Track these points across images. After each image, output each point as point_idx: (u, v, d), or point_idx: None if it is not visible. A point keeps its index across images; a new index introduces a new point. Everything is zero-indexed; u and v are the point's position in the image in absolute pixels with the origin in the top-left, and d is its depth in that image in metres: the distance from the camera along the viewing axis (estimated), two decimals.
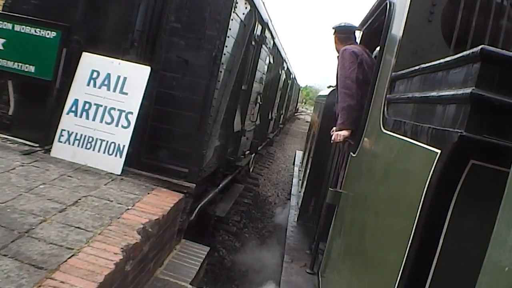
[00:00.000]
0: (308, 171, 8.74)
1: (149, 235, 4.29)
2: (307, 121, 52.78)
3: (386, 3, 4.31)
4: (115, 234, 3.94)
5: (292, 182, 13.59)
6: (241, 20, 7.11)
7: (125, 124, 5.76)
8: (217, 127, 6.79)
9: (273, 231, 10.83)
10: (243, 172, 13.01)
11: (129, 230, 4.08)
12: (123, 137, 5.74)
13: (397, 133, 2.83)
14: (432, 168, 1.95)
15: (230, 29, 6.21)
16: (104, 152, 5.73)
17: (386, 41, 4.10)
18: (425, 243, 1.95)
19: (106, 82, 5.87)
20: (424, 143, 2.15)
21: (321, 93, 11.49)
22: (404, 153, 2.67)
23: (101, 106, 5.82)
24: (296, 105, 56.72)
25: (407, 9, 3.60)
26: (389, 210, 2.72)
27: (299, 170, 12.72)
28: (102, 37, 6.27)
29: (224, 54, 6.27)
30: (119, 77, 5.86)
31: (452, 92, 1.96)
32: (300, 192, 9.67)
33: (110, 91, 5.84)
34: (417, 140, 2.30)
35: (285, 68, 20.66)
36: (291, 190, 12.19)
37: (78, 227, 3.87)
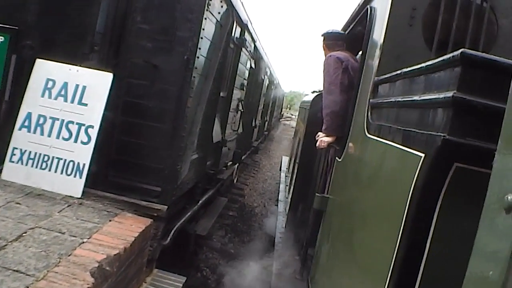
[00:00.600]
0: (294, 176, 8.73)
1: (106, 274, 3.67)
2: (292, 127, 52.90)
3: (367, 8, 4.33)
4: (62, 278, 3.26)
5: (278, 189, 13.10)
6: (217, 20, 6.58)
7: (85, 140, 5.11)
8: (193, 139, 6.18)
9: (260, 244, 10.11)
10: (227, 183, 12.33)
11: (80, 271, 3.41)
12: (83, 154, 5.08)
13: (381, 138, 2.84)
14: (417, 172, 1.96)
15: (203, 29, 5.64)
16: (61, 173, 5.06)
17: (368, 46, 4.12)
18: (412, 247, 1.95)
19: (63, 92, 5.21)
20: (408, 147, 2.16)
21: (305, 98, 11.52)
22: (388, 157, 2.68)
23: (58, 119, 5.15)
24: (281, 111, 56.48)
25: (388, 14, 3.62)
26: (376, 214, 2.72)
27: (286, 176, 12.72)
28: (58, 41, 5.54)
29: (198, 58, 5.69)
30: (77, 86, 5.21)
31: (434, 96, 1.97)
32: (287, 198, 9.66)
33: (67, 102, 5.18)
34: (401, 144, 2.31)
35: (268, 73, 20.05)
36: (278, 197, 11.75)
37: (17, 270, 3.21)
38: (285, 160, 15.42)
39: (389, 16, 3.61)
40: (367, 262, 2.73)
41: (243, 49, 9.79)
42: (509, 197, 1.01)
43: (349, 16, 5.79)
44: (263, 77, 17.22)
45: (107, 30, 5.65)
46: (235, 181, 14.14)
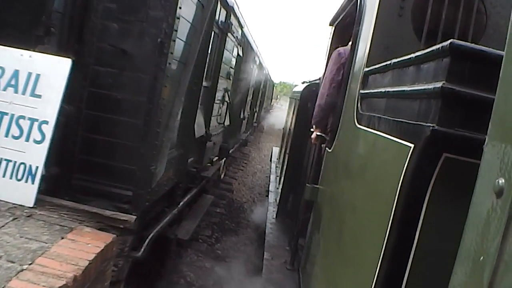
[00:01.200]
0: (285, 167, 8.75)
1: None
2: (282, 118, 52.91)
3: None
4: None
5: (269, 182, 12.46)
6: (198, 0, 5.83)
7: (39, 138, 4.26)
8: (171, 135, 5.47)
9: (250, 244, 9.74)
10: (213, 179, 11.78)
11: None
12: (36, 155, 4.24)
13: (371, 128, 2.84)
14: (406, 163, 1.97)
15: (180, 8, 4.93)
16: (10, 177, 4.20)
17: (357, 36, 4.12)
18: (402, 237, 1.97)
19: (13, 82, 4.36)
20: (398, 138, 2.17)
21: (295, 88, 11.50)
22: (378, 148, 2.69)
23: (7, 114, 4.32)
24: (271, 101, 56.10)
25: (377, 4, 3.62)
26: (365, 205, 2.73)
27: (276, 167, 12.72)
28: (7, 21, 4.54)
29: (174, 41, 4.97)
30: (30, 74, 4.37)
31: (423, 87, 1.98)
32: (278, 188, 9.68)
33: (18, 93, 4.35)
34: (390, 135, 2.32)
35: (257, 62, 19.09)
36: (268, 189, 11.22)
37: None
38: (276, 150, 15.40)
39: (378, 6, 3.62)
40: (357, 252, 2.74)
41: (229, 34, 9.07)
42: (499, 182, 1.02)
43: (338, 7, 5.78)
44: (251, 66, 16.42)
45: (66, 9, 4.79)
46: (222, 176, 13.47)
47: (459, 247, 1.19)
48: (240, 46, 11.40)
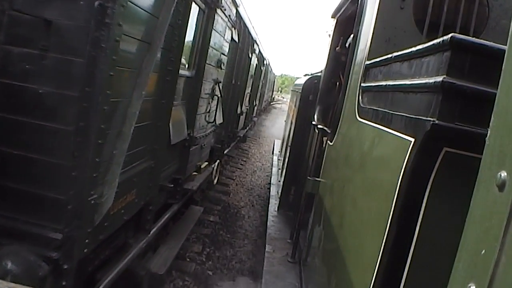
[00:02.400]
0: (286, 160, 8.76)
1: None
2: (284, 110, 52.54)
3: None
4: None
5: (270, 182, 11.91)
6: None
7: None
8: (123, 146, 3.81)
9: (247, 259, 8.33)
10: (204, 187, 10.04)
11: None
12: None
13: (372, 122, 2.84)
14: (407, 156, 1.97)
15: None
16: None
17: (359, 29, 4.11)
18: (402, 230, 1.97)
19: None
20: (398, 132, 2.17)
21: (297, 81, 11.49)
22: (379, 141, 2.69)
23: None
24: (272, 94, 55.32)
25: None
26: (366, 198, 2.74)
27: (278, 159, 12.73)
28: None
29: (123, 6, 3.45)
30: None
31: (424, 81, 1.97)
32: (279, 181, 9.69)
33: None
34: (391, 129, 2.32)
35: (257, 51, 16.95)
36: (269, 193, 10.17)
37: None
38: (278, 143, 15.39)
39: None
40: (357, 245, 2.75)
41: (219, 11, 7.23)
42: (501, 174, 1.02)
43: (339, 0, 5.76)
44: (250, 55, 14.52)
45: None
46: (215, 181, 11.32)
47: (460, 241, 1.19)
48: (234, 29, 9.78)
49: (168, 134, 5.75)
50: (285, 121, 13.97)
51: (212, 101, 8.28)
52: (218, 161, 10.90)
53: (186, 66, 6.56)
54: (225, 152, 12.63)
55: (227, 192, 12.61)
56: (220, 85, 8.52)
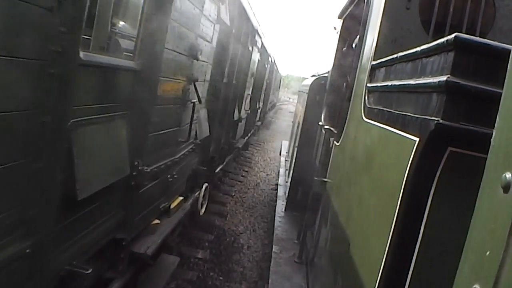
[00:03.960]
0: (294, 160, 8.77)
1: None
2: (290, 111, 51.90)
3: None
4: None
5: (276, 200, 10.41)
6: None
7: None
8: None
9: None
10: (187, 219, 7.75)
11: None
12: None
13: (377, 122, 2.84)
14: (411, 156, 1.97)
15: None
16: None
17: (365, 30, 4.11)
18: (407, 229, 1.98)
19: None
20: (403, 132, 2.18)
21: (304, 82, 11.49)
22: (384, 141, 2.69)
23: None
24: (278, 94, 54.18)
25: None
26: (372, 198, 2.74)
27: (286, 160, 12.73)
28: None
29: None
30: None
31: (428, 81, 1.98)
32: (287, 182, 9.70)
33: None
34: (396, 129, 2.32)
35: (259, 44, 14.01)
36: (275, 213, 8.86)
37: None
38: (285, 144, 15.39)
39: (386, 0, 3.60)
40: (364, 245, 2.75)
41: None
42: (506, 176, 1.01)
43: (347, 0, 5.76)
44: (250, 47, 11.69)
45: None
46: (202, 211, 8.35)
47: (465, 241, 1.19)
48: (223, 5, 7.31)
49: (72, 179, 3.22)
50: (292, 122, 13.92)
51: (183, 110, 5.56)
52: (206, 184, 8.29)
53: (132, 57, 4.31)
54: (217, 170, 10.18)
55: (222, 213, 10.50)
56: (201, 84, 6.17)
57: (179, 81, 5.21)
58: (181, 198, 6.54)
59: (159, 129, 4.83)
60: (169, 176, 5.49)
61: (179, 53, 4.97)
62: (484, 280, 1.03)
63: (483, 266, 1.05)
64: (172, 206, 6.04)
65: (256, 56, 14.13)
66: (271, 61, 23.10)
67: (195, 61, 5.50)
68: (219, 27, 7.48)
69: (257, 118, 20.98)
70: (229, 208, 11.15)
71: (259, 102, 19.68)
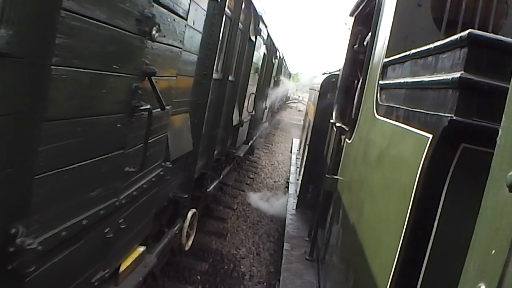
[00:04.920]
0: (305, 158, 8.77)
1: None
2: (299, 110, 51.32)
3: None
4: None
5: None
6: None
7: None
8: None
9: None
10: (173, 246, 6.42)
11: None
12: None
13: (389, 119, 2.84)
14: (425, 153, 1.97)
15: None
16: None
17: (377, 27, 4.10)
18: (420, 226, 1.98)
19: None
20: (416, 128, 2.18)
21: (315, 80, 11.47)
22: (397, 138, 2.69)
23: None
24: (287, 92, 52.81)
25: None
26: (384, 195, 2.74)
27: (297, 158, 12.73)
28: None
29: None
30: None
31: (441, 77, 1.98)
32: (298, 179, 9.70)
33: None
34: (409, 125, 2.32)
35: (264, 34, 11.80)
36: (284, 227, 7.74)
37: None
38: (296, 142, 15.36)
39: None
40: (375, 243, 2.75)
41: None
42: None
43: None
44: (253, 38, 10.11)
45: None
46: (187, 246, 6.55)
47: (471, 240, 1.19)
48: None
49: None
50: (303, 119, 13.85)
51: (131, 122, 3.45)
52: (193, 211, 6.51)
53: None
54: (210, 188, 8.01)
55: (221, 232, 9.05)
56: (171, 82, 4.26)
57: (113, 74, 2.99)
58: (141, 249, 4.44)
59: (69, 162, 2.63)
60: (108, 229, 3.44)
61: (109, 24, 2.72)
62: (489, 279, 1.03)
63: (488, 265, 1.06)
64: (122, 268, 4.01)
65: (261, 49, 12.44)
66: (280, 56, 20.85)
67: (150, 42, 3.48)
68: (207, 4, 5.83)
69: (264, 119, 18.80)
70: (230, 224, 9.70)
71: (265, 101, 17.67)
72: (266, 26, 11.84)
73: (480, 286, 1.05)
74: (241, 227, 9.83)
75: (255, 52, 10.85)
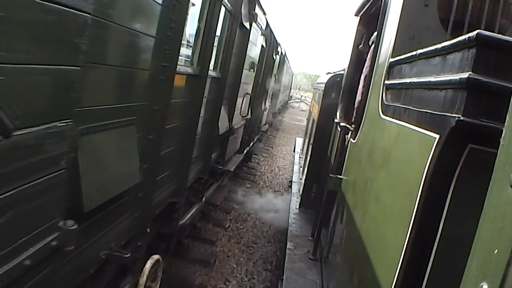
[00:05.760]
0: (308, 157, 8.77)
1: None
2: (302, 110, 50.95)
3: None
4: None
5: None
6: None
7: None
8: None
9: None
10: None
11: None
12: None
13: (395, 119, 2.84)
14: (431, 153, 1.97)
15: None
16: None
17: (383, 27, 4.10)
18: (426, 227, 1.98)
19: None
20: (423, 128, 2.18)
21: (319, 79, 11.47)
22: (403, 138, 2.69)
23: None
24: (290, 92, 50.88)
25: None
26: (390, 195, 2.74)
27: (300, 157, 12.72)
28: None
29: None
30: None
31: (449, 77, 1.98)
32: (301, 179, 9.70)
33: None
34: (415, 126, 2.32)
35: (262, 24, 10.33)
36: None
37: None
38: (299, 141, 15.30)
39: None
40: (380, 243, 2.75)
41: None
42: None
43: None
44: (247, 25, 8.29)
45: None
46: None
47: (473, 240, 1.20)
48: None
49: None
50: (306, 119, 13.77)
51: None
52: (154, 259, 4.66)
53: None
54: (183, 221, 6.07)
55: (207, 260, 7.57)
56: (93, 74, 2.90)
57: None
58: None
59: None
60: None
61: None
62: (491, 278, 1.04)
63: (490, 265, 1.06)
64: None
65: (258, 40, 10.25)
66: (281, 52, 18.72)
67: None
68: None
69: (263, 122, 17.16)
70: (219, 248, 8.19)
71: (264, 102, 15.74)
72: (264, 13, 10.20)
73: (482, 286, 1.06)
74: (232, 251, 8.31)
75: (249, 43, 8.80)
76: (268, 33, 12.16)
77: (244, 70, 8.91)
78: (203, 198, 7.32)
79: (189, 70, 5.46)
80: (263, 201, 11.57)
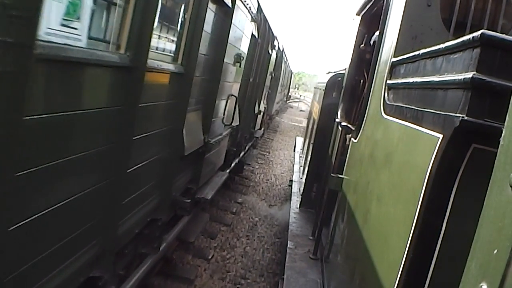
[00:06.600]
0: (309, 157, 8.76)
1: None
2: (301, 110, 50.61)
3: None
4: None
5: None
6: None
7: None
8: None
9: None
10: None
11: None
12: None
13: (398, 119, 2.84)
14: (434, 153, 1.97)
15: None
16: None
17: (385, 26, 4.10)
18: (429, 227, 1.97)
19: None
20: (426, 128, 2.17)
21: (320, 79, 11.46)
22: (405, 138, 2.69)
23: None
24: (288, 91, 48.65)
25: None
26: (392, 195, 2.74)
27: (300, 157, 12.71)
28: None
29: None
30: None
31: (453, 77, 1.98)
32: (301, 178, 9.70)
33: None
34: (418, 125, 2.32)
35: (254, 10, 8.85)
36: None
37: None
38: (300, 140, 15.27)
39: None
40: (382, 243, 2.75)
41: None
42: None
43: None
44: (230, 4, 6.41)
45: None
46: None
47: (473, 240, 1.20)
48: None
49: None
50: (306, 118, 13.72)
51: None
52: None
53: None
54: (131, 283, 4.34)
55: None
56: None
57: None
58: None
59: None
60: None
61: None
62: (491, 278, 1.03)
63: (490, 265, 1.06)
64: None
65: (246, 26, 8.22)
66: (279, 47, 16.75)
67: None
68: None
69: (258, 126, 15.27)
70: (207, 271, 6.67)
71: (259, 104, 13.86)
72: (261, 11, 8.55)
73: (482, 286, 1.06)
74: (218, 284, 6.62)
75: (233, 28, 6.59)
76: (260, 20, 10.00)
77: (225, 63, 6.74)
78: (160, 248, 5.17)
79: (112, 58, 3.27)
80: (257, 216, 10.24)
